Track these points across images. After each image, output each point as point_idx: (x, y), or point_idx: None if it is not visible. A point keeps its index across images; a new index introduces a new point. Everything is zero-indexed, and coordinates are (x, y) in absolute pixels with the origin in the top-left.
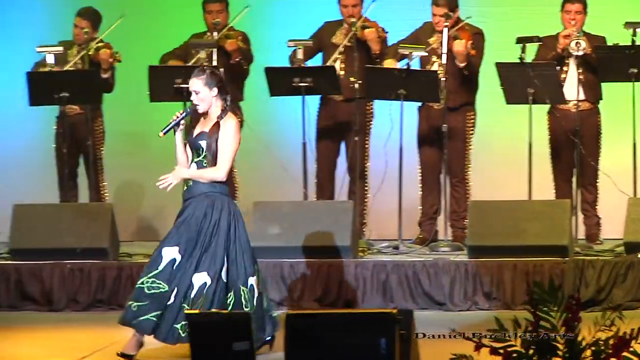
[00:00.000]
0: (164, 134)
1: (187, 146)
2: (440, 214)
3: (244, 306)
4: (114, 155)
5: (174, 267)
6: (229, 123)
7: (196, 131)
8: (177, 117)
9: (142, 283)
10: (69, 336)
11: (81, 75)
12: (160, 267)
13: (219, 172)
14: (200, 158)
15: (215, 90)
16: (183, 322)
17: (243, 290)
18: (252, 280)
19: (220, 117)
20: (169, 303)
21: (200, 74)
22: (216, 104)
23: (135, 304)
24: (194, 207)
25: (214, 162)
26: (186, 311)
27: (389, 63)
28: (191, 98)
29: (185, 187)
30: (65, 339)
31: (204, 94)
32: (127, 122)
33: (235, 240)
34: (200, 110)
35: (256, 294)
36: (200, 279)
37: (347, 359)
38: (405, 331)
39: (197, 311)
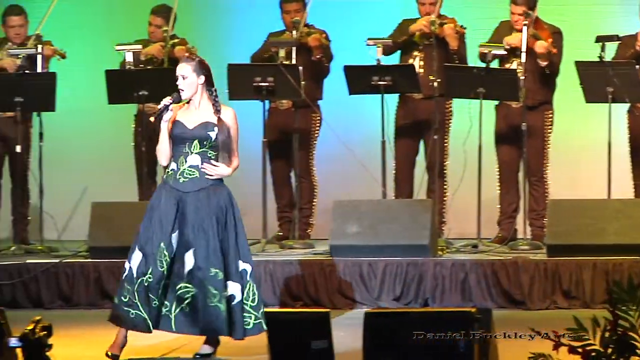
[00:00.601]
0: (155, 119)
1: (174, 137)
2: (519, 213)
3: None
4: None
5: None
6: (230, 113)
7: (190, 122)
8: (167, 103)
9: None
10: (146, 334)
11: (159, 73)
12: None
13: (236, 164)
14: (205, 149)
15: (203, 78)
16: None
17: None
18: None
19: (217, 108)
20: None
21: (190, 60)
22: (201, 93)
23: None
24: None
25: (225, 151)
26: (265, 309)
27: None
28: (177, 83)
29: (170, 178)
30: (142, 337)
31: (191, 79)
32: None
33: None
34: (184, 96)
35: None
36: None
37: (426, 358)
38: (484, 330)
39: (276, 309)
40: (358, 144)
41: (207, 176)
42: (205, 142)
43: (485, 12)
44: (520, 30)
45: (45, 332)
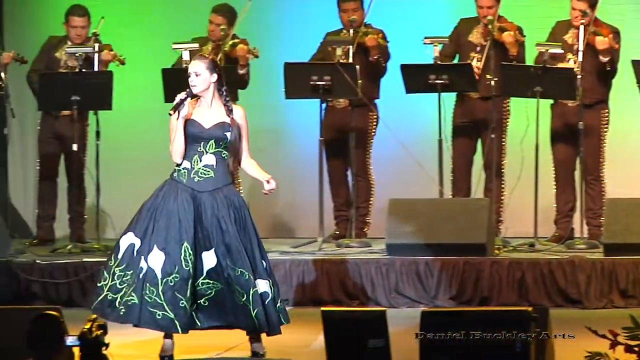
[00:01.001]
0: (174, 111)
1: (189, 136)
2: (576, 212)
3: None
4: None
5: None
6: (241, 112)
7: (206, 122)
8: (182, 97)
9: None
10: (202, 333)
11: None
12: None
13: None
14: (220, 148)
15: (215, 76)
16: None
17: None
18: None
19: (229, 108)
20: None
21: (203, 58)
22: (213, 92)
23: None
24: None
25: (234, 153)
26: (322, 308)
27: None
28: (189, 79)
29: (183, 177)
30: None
31: (204, 76)
32: (260, 119)
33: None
34: (195, 90)
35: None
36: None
37: (482, 357)
38: (541, 329)
39: (332, 308)
40: (415, 142)
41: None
42: (221, 143)
43: (543, 11)
44: (578, 27)
45: (101, 331)
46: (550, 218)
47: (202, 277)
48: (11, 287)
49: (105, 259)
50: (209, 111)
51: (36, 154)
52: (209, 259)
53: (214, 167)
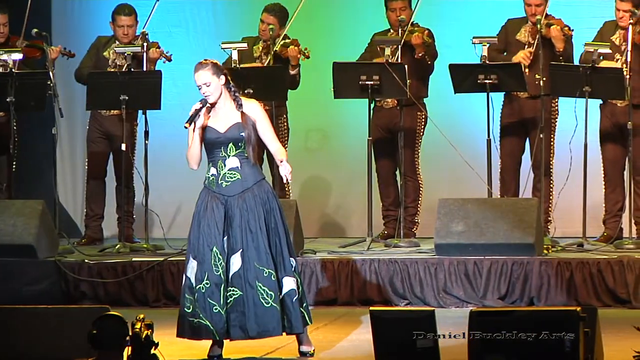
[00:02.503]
0: (190, 124)
1: (208, 143)
2: (625, 212)
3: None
4: (298, 152)
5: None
6: (254, 106)
7: (221, 126)
8: (197, 107)
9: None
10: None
11: (268, 72)
12: None
13: (284, 151)
14: (240, 150)
15: (223, 78)
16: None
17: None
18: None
19: (239, 105)
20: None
21: (205, 66)
22: (224, 92)
23: None
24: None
25: (254, 150)
26: (371, 308)
27: None
28: (201, 92)
29: (213, 184)
30: None
31: (214, 83)
32: (310, 119)
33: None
34: (211, 100)
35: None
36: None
37: (532, 357)
38: (590, 329)
39: (381, 308)
40: (463, 142)
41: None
42: (240, 144)
43: (592, 11)
44: (625, 28)
45: (150, 330)
46: (599, 218)
47: (229, 285)
48: (60, 287)
49: (156, 259)
50: (223, 114)
51: (85, 154)
52: (236, 262)
53: (239, 168)
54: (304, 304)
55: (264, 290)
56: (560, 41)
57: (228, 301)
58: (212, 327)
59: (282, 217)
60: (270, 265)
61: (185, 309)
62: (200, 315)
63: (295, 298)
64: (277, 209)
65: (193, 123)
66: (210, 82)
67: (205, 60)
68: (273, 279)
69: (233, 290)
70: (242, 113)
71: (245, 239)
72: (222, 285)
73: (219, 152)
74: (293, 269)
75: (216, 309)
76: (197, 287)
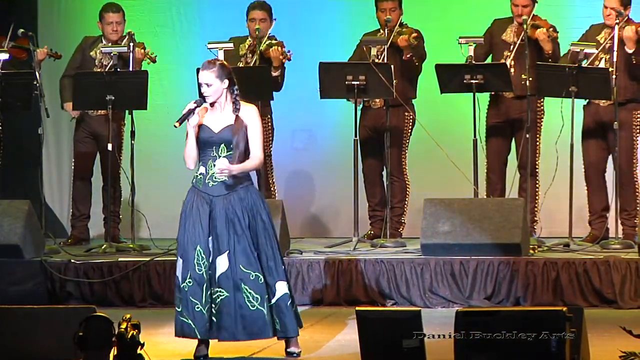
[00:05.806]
0: (180, 124)
1: (201, 141)
2: (610, 212)
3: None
4: (284, 152)
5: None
6: (250, 111)
7: (216, 126)
8: (191, 107)
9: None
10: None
11: (253, 72)
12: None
13: (259, 161)
14: (232, 151)
15: (227, 82)
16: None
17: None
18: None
19: (236, 108)
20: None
21: (211, 66)
22: (225, 95)
23: None
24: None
25: (242, 155)
26: (357, 308)
27: None
28: (201, 90)
29: (200, 183)
30: None
31: (215, 86)
32: (296, 119)
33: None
34: (210, 101)
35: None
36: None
37: (518, 356)
38: (576, 329)
39: (367, 308)
40: (449, 142)
41: (218, 177)
42: (231, 146)
43: (577, 11)
44: (612, 26)
45: (136, 331)
46: (585, 218)
47: (215, 285)
48: (46, 287)
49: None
50: (220, 114)
51: (71, 154)
52: (222, 264)
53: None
54: (294, 307)
55: (249, 293)
56: (547, 43)
57: (215, 302)
58: (193, 326)
59: (272, 222)
60: (257, 268)
61: (177, 308)
62: (184, 313)
63: (289, 302)
64: (265, 213)
65: (187, 122)
66: (211, 84)
67: (214, 60)
68: (260, 282)
69: (220, 291)
70: (237, 117)
71: (231, 241)
72: (205, 285)
73: (211, 151)
74: (285, 273)
75: (198, 307)
76: (182, 286)
